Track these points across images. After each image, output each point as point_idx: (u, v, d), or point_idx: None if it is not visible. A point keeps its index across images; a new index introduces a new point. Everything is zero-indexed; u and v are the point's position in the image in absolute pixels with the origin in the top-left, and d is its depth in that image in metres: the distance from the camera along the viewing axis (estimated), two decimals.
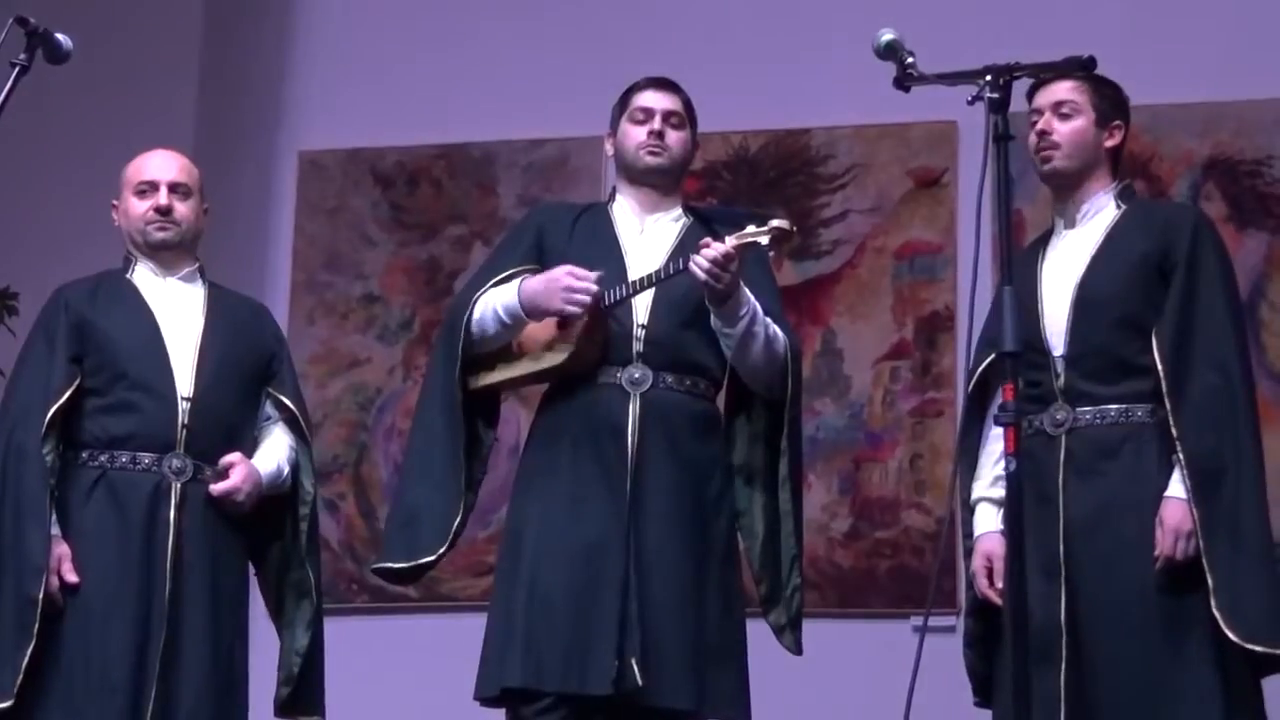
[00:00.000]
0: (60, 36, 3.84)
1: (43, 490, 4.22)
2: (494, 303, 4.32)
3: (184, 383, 4.35)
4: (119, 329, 4.38)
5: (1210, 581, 3.95)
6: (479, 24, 6.59)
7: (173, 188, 4.46)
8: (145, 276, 4.48)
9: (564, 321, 4.28)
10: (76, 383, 4.31)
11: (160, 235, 4.46)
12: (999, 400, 3.69)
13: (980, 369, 4.25)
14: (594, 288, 4.20)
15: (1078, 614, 4.02)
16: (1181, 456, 4.01)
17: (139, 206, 4.46)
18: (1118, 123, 4.27)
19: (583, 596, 4.14)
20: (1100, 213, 4.25)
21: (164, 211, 4.45)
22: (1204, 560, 3.96)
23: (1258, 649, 3.95)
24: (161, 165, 4.50)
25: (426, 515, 4.29)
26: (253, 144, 6.63)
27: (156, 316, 4.41)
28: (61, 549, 4.22)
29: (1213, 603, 3.94)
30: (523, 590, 4.19)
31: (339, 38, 6.69)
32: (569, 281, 4.21)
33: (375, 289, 6.52)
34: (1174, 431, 4.03)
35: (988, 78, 3.63)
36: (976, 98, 3.63)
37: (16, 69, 3.76)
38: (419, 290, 6.48)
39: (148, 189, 4.46)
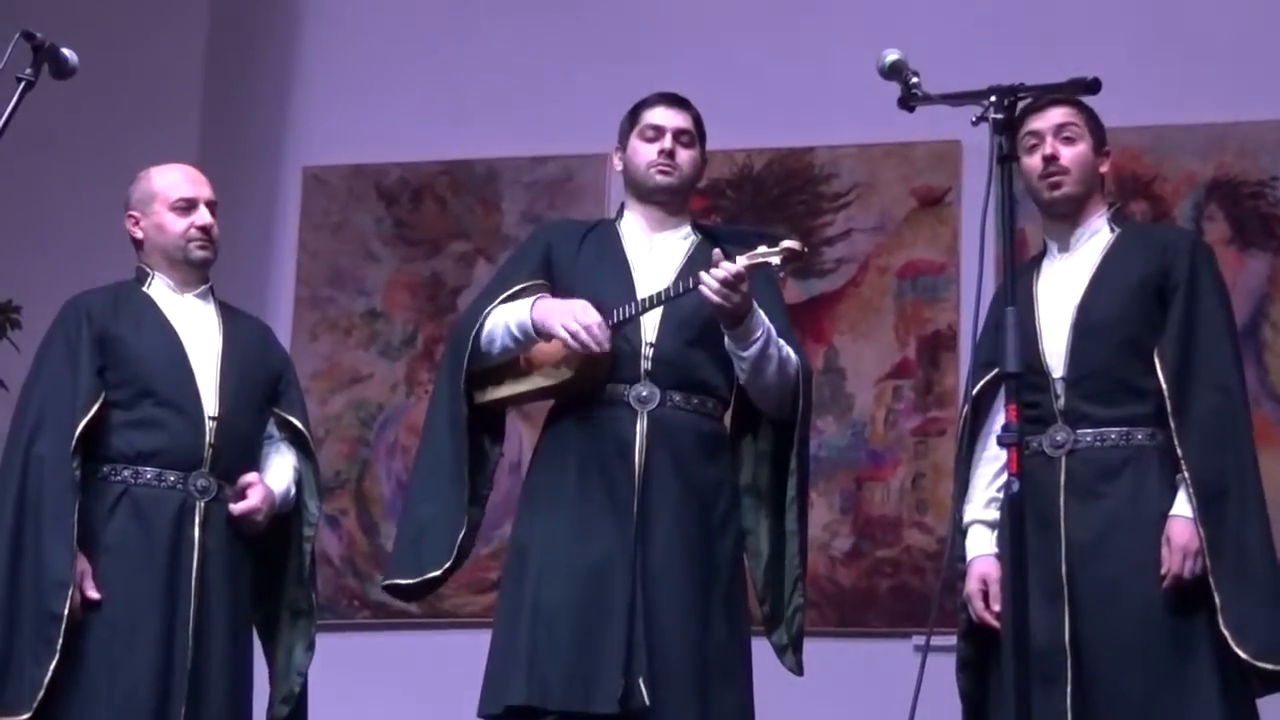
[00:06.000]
0: (66, 52, 3.84)
1: (67, 503, 4.17)
2: (505, 319, 4.31)
3: (209, 402, 4.34)
4: (144, 345, 4.34)
5: (1217, 600, 3.96)
6: (483, 41, 6.59)
7: (210, 205, 4.45)
8: (163, 292, 4.44)
9: None
10: (102, 396, 4.27)
11: (202, 254, 4.44)
12: (996, 420, 3.67)
13: (977, 389, 4.22)
14: (594, 347, 4.16)
15: (1081, 636, 4.02)
16: (1187, 476, 4.02)
17: (178, 223, 4.42)
18: (1107, 149, 4.31)
19: (588, 615, 4.13)
20: (1095, 236, 4.26)
21: (207, 230, 4.44)
22: (1210, 579, 3.97)
23: (1268, 666, 3.97)
24: (199, 182, 4.48)
25: (432, 531, 4.29)
26: (257, 160, 6.63)
27: (179, 334, 4.38)
28: (82, 565, 4.18)
29: (1220, 621, 3.95)
30: (527, 608, 4.18)
31: (343, 54, 6.69)
32: (576, 314, 4.19)
33: (378, 305, 6.51)
34: (1179, 451, 4.04)
35: (992, 98, 3.63)
36: (981, 118, 3.63)
37: (22, 84, 3.76)
38: (422, 306, 6.48)
39: (186, 206, 4.42)
